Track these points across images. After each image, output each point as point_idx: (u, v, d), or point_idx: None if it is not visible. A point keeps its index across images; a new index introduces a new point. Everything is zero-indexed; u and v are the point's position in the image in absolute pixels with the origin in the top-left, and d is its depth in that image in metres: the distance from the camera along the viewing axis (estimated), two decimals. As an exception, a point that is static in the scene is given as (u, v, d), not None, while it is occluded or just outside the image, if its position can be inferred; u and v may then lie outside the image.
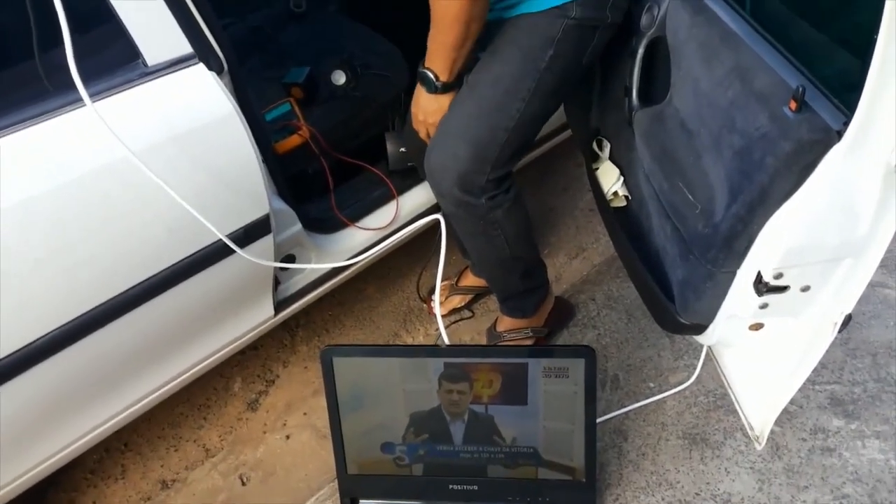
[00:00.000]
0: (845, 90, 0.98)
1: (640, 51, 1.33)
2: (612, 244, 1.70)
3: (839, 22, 1.15)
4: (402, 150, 1.75)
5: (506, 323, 1.80)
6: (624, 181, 1.55)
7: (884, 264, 1.94)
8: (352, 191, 1.76)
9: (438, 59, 1.33)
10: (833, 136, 0.97)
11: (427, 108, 1.41)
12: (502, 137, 1.37)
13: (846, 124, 0.96)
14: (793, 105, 1.00)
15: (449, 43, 1.29)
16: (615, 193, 1.57)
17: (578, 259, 2.13)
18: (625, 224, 1.55)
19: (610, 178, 1.58)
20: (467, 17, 1.24)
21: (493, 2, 1.32)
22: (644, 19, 1.33)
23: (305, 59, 1.87)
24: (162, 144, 1.15)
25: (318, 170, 1.71)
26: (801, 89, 0.99)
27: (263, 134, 1.37)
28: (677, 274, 1.35)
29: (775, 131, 1.02)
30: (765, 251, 1.12)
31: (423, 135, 1.48)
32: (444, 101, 1.39)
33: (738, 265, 1.18)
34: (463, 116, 1.37)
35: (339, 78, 1.77)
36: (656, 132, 1.34)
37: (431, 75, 1.36)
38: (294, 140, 1.69)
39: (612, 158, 1.59)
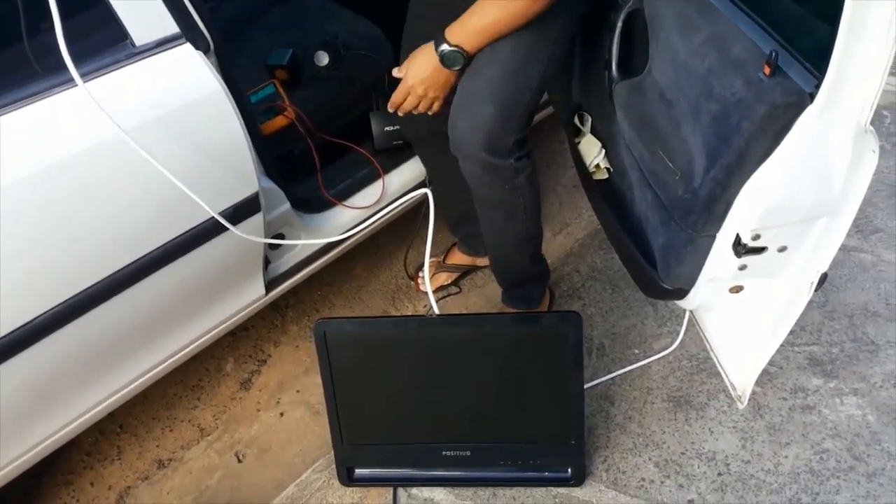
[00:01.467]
0: (816, 55, 1.02)
1: (619, 24, 1.37)
2: (596, 217, 1.74)
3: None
4: (388, 128, 1.77)
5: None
6: (605, 154, 1.59)
7: (859, 229, 2.00)
8: (338, 170, 1.77)
9: (479, 37, 1.32)
10: (805, 98, 1.01)
11: (436, 82, 1.39)
12: (526, 98, 1.40)
13: (818, 87, 1.00)
14: (767, 70, 1.04)
15: (502, 26, 1.30)
16: (597, 166, 1.60)
17: (562, 234, 2.17)
18: (607, 195, 1.59)
19: (592, 152, 1.62)
20: (537, 11, 1.26)
21: None
22: (621, -8, 1.36)
23: (288, 40, 1.88)
24: (151, 123, 1.17)
25: (304, 150, 1.72)
26: (774, 54, 1.03)
27: (249, 115, 1.39)
28: (659, 240, 1.39)
29: (751, 96, 1.06)
30: (743, 213, 1.16)
31: (418, 107, 1.44)
32: (453, 76, 1.39)
33: (717, 229, 1.22)
34: (489, 80, 1.38)
35: (322, 59, 1.78)
36: (636, 103, 1.37)
37: (458, 52, 1.33)
38: (279, 121, 1.71)
39: (593, 132, 1.63)
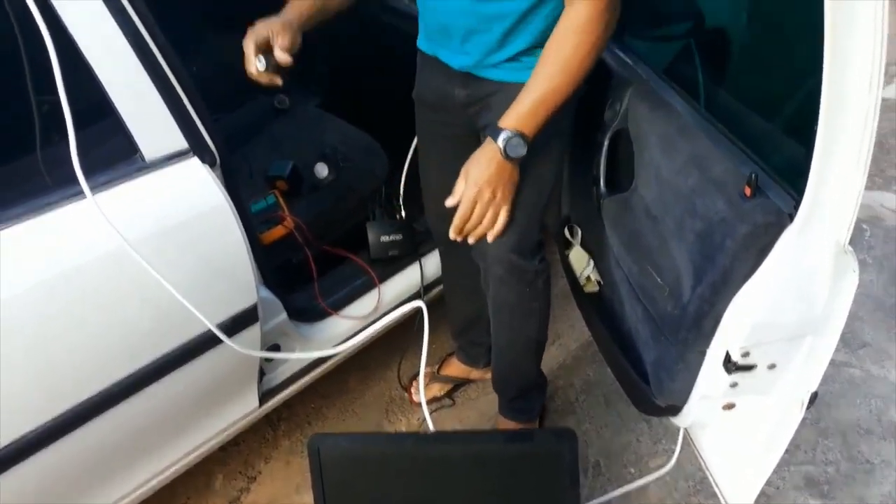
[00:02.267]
0: (794, 176, 1.07)
1: (605, 143, 1.44)
2: (588, 329, 1.75)
3: (785, 114, 1.26)
4: (384, 238, 1.82)
5: (509, 427, 1.81)
6: (595, 266, 1.63)
7: (846, 343, 2.02)
8: (335, 280, 1.80)
9: (536, 116, 1.24)
10: (785, 218, 1.05)
11: (502, 178, 1.28)
12: (545, 199, 1.45)
13: (796, 207, 1.04)
14: (747, 191, 1.09)
15: (557, 96, 1.23)
16: (588, 278, 1.64)
17: (555, 346, 2.18)
18: (598, 308, 1.61)
19: (582, 264, 1.66)
20: (598, 54, 1.22)
21: (501, 58, 1.34)
22: (607, 114, 1.43)
23: (290, 152, 1.96)
24: (156, 235, 1.20)
25: (302, 260, 1.76)
26: (754, 176, 1.08)
27: (250, 225, 1.43)
28: (650, 355, 1.40)
29: (733, 215, 1.11)
30: (731, 330, 1.18)
31: (483, 222, 1.32)
32: (517, 171, 1.31)
33: (706, 345, 1.24)
34: None
35: (322, 171, 1.85)
36: (624, 219, 1.42)
37: (520, 136, 1.24)
38: (279, 231, 1.75)
39: (583, 245, 1.67)
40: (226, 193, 1.28)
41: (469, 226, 1.33)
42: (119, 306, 1.21)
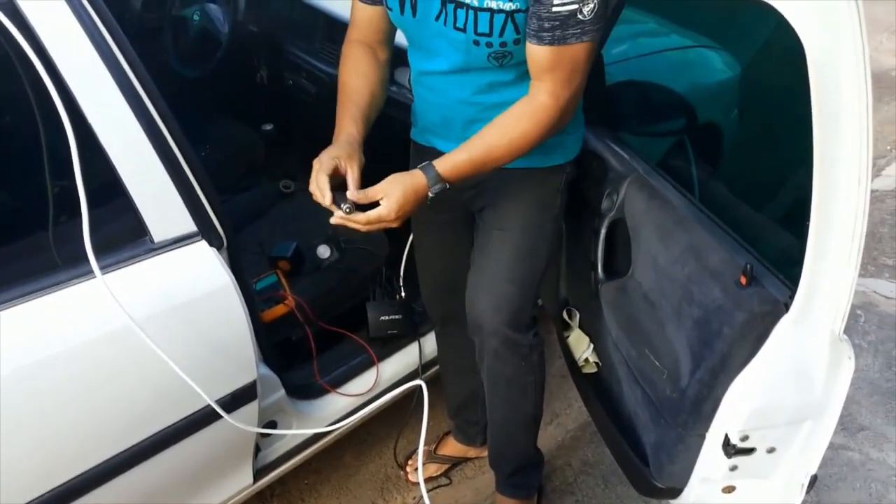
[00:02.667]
0: (788, 265, 1.11)
1: (603, 231, 1.47)
2: (586, 409, 1.75)
3: (777, 205, 1.31)
4: (384, 318, 1.84)
5: None
6: (594, 348, 1.64)
7: (844, 427, 2.02)
8: (334, 357, 1.81)
9: (469, 171, 1.26)
10: (781, 307, 1.08)
11: (413, 209, 1.27)
12: (538, 275, 1.49)
13: (792, 297, 1.07)
14: (743, 280, 1.12)
15: (501, 160, 1.27)
16: (586, 360, 1.65)
17: (553, 425, 2.17)
18: (597, 390, 1.62)
19: (581, 346, 1.67)
20: (542, 140, 1.26)
21: None
22: (605, 203, 1.48)
23: (294, 233, 2.00)
24: (162, 314, 1.22)
25: (302, 337, 1.77)
26: (749, 266, 1.12)
27: (253, 304, 1.45)
28: (650, 437, 1.41)
29: (729, 304, 1.14)
30: (730, 414, 1.20)
31: (379, 227, 1.27)
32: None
33: (706, 428, 1.25)
34: (505, 261, 1.46)
35: (324, 253, 1.88)
36: (622, 303, 1.45)
37: (444, 186, 1.25)
38: (280, 309, 1.77)
39: (581, 327, 1.69)
40: (231, 275, 1.30)
41: (355, 227, 1.27)
42: (123, 381, 1.22)
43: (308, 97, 2.31)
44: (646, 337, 1.37)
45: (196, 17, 2.39)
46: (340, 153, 1.25)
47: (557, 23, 1.16)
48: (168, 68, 2.46)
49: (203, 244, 1.28)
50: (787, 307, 1.08)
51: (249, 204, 2.17)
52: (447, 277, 1.65)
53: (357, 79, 1.36)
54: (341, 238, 1.95)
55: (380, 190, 1.24)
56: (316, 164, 1.25)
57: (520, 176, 1.42)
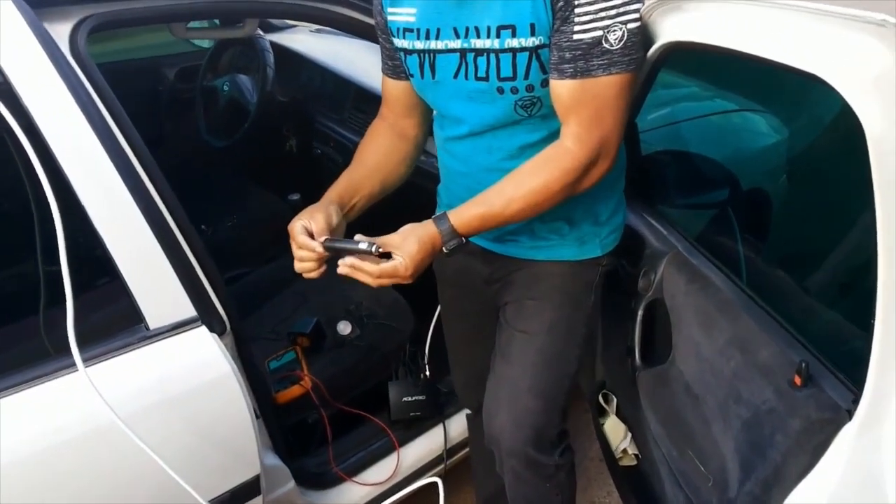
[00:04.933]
0: (850, 364, 0.97)
1: (640, 312, 1.35)
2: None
3: (835, 290, 1.17)
4: (406, 399, 1.73)
5: None
6: (632, 437, 1.50)
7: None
8: (351, 442, 1.71)
9: (481, 226, 1.14)
10: (843, 414, 0.94)
11: (428, 264, 1.17)
12: (567, 385, 1.32)
13: (855, 402, 0.93)
14: (797, 380, 0.98)
15: (517, 216, 1.14)
16: (624, 451, 1.51)
17: (592, 514, 2.00)
18: (636, 485, 1.47)
19: (618, 435, 1.53)
20: (566, 196, 1.13)
21: (526, 243, 1.28)
22: (641, 283, 1.36)
23: (314, 307, 1.92)
24: (155, 407, 1.14)
25: (318, 421, 1.67)
26: (804, 364, 0.97)
27: (264, 387, 1.36)
28: (696, 549, 1.25)
29: (782, 407, 1.00)
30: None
31: (390, 283, 1.15)
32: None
33: (758, 545, 1.09)
34: (528, 367, 1.30)
35: (345, 329, 1.80)
36: (661, 394, 1.31)
37: (459, 240, 1.14)
38: (295, 391, 1.67)
39: (618, 414, 1.55)
40: (232, 362, 1.22)
41: (362, 278, 1.14)
42: (110, 481, 1.14)
43: (335, 167, 2.28)
44: (689, 435, 1.22)
45: (226, 88, 2.41)
46: (304, 214, 1.16)
47: (580, 52, 1.04)
48: (198, 138, 2.46)
49: (203, 330, 1.20)
50: (850, 414, 0.93)
51: (272, 276, 2.11)
52: (478, 367, 1.49)
53: (365, 151, 1.30)
54: (364, 313, 1.87)
55: (394, 244, 1.12)
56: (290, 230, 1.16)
57: (550, 269, 1.29)
